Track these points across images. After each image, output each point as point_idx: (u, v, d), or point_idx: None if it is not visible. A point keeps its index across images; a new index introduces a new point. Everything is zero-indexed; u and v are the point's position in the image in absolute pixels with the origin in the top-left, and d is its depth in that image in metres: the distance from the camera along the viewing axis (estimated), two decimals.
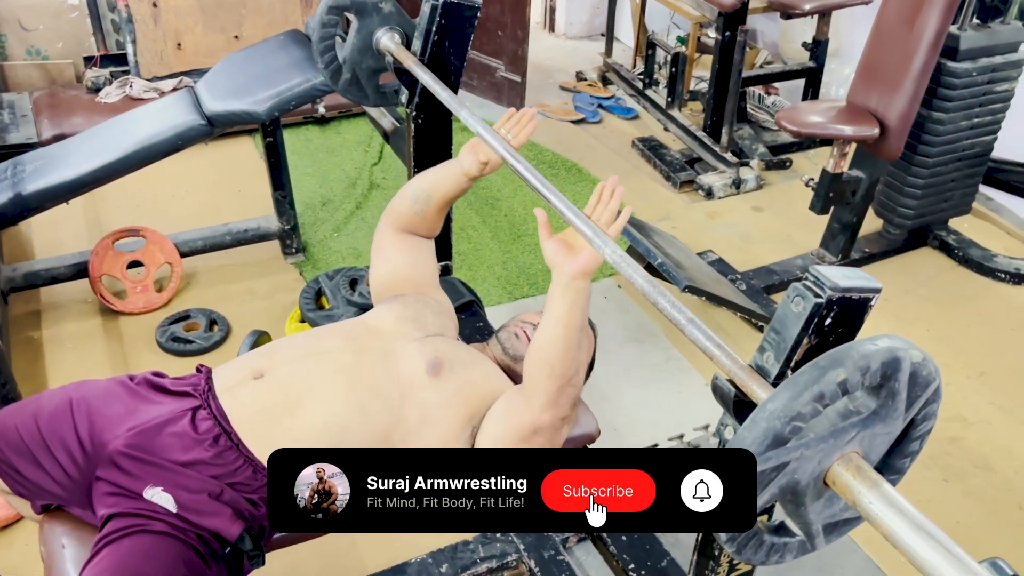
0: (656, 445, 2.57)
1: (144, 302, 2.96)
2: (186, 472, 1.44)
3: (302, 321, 2.84)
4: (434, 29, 2.04)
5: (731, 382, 1.20)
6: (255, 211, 3.38)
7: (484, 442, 1.53)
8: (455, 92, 2.19)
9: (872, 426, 1.08)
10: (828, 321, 1.16)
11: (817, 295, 1.15)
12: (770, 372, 1.20)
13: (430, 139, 2.21)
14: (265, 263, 3.26)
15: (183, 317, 2.90)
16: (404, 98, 2.14)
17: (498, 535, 2.19)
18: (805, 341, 1.17)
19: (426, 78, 1.94)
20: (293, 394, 1.52)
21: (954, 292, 3.23)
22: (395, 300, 1.77)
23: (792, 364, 1.19)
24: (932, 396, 1.10)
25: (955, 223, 3.49)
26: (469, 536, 2.20)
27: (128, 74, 4.18)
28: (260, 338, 2.66)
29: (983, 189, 3.41)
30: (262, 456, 1.48)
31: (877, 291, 1.19)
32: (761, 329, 3.01)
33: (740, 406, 1.20)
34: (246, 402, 1.51)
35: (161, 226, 3.10)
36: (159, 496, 1.42)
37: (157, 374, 1.61)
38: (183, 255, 3.07)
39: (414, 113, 2.17)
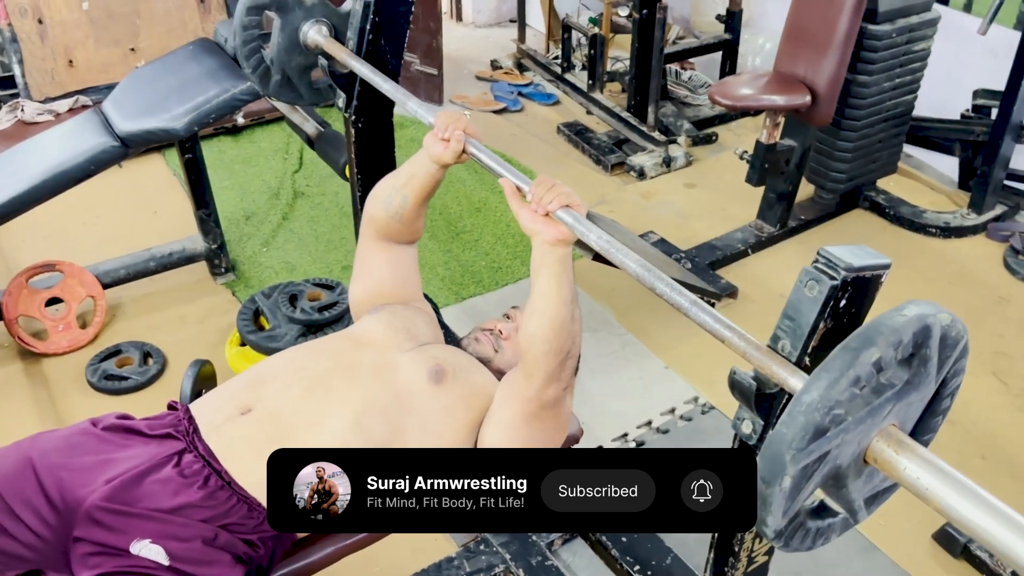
0: (625, 435, 2.53)
1: (68, 341, 2.76)
2: (174, 519, 1.33)
3: (242, 344, 2.69)
4: (368, 27, 1.94)
5: (753, 377, 1.15)
6: (176, 232, 3.20)
7: (492, 428, 1.48)
8: None
9: (907, 396, 1.06)
10: (843, 303, 1.13)
11: (832, 277, 1.11)
12: (787, 360, 1.16)
13: (373, 142, 2.11)
14: (194, 286, 3.09)
15: (114, 353, 2.72)
16: (341, 102, 2.03)
17: (481, 547, 2.12)
18: (821, 325, 1.13)
19: (364, 70, 1.83)
20: (285, 425, 1.42)
21: (890, 251, 3.24)
22: (381, 310, 1.66)
23: (809, 350, 1.15)
24: (961, 353, 1.08)
25: (883, 183, 3.57)
26: (452, 551, 2.12)
27: (17, 97, 3.92)
28: (203, 368, 2.50)
29: (905, 147, 3.48)
30: (257, 493, 1.38)
31: (887, 266, 1.16)
32: (712, 306, 2.99)
33: (762, 399, 1.16)
34: (235, 438, 1.41)
35: (77, 257, 2.90)
36: (148, 549, 1.30)
37: (124, 416, 1.48)
38: (105, 286, 2.87)
39: (353, 117, 2.05)
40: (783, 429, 0.99)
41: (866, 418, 1.02)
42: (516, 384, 1.46)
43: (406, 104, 1.69)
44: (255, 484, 1.38)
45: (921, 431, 1.16)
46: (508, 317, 1.76)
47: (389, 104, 2.12)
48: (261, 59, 1.99)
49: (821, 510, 1.13)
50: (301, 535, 1.46)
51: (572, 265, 1.37)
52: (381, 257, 1.71)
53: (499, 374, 1.68)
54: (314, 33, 1.96)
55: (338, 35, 1.99)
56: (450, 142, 1.53)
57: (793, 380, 1.09)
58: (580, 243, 2.95)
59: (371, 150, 2.13)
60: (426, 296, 2.27)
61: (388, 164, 2.21)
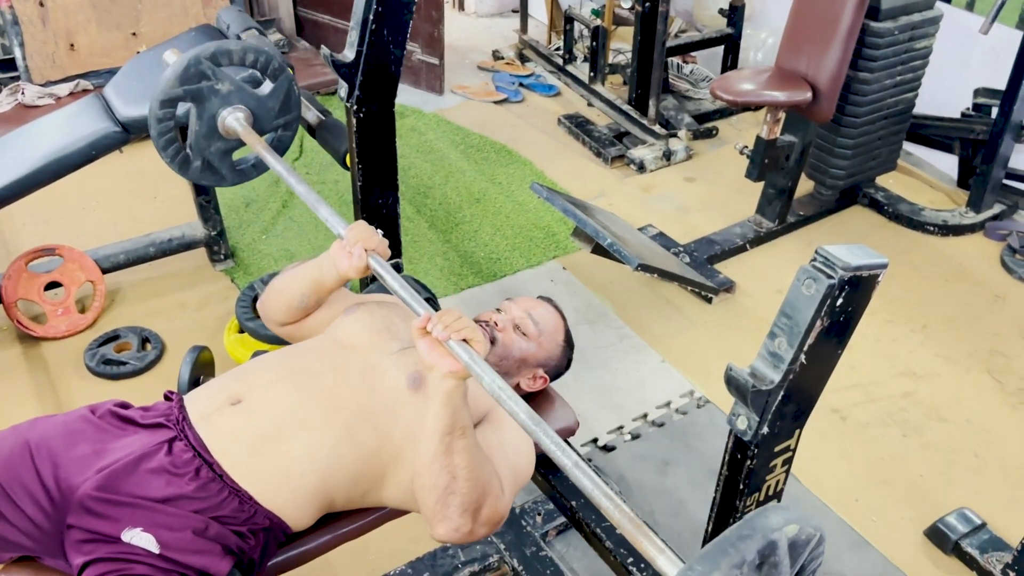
0: (621, 428, 2.54)
1: (67, 325, 2.77)
2: (166, 509, 1.34)
3: (240, 332, 2.70)
4: (371, 18, 1.93)
5: (749, 374, 1.16)
6: (175, 218, 3.20)
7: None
8: (396, 81, 2.10)
9: None
10: (840, 301, 1.14)
11: (829, 276, 1.12)
12: (783, 358, 1.17)
13: (374, 131, 2.11)
14: (193, 273, 3.09)
15: (112, 337, 2.72)
16: (343, 91, 2.03)
17: None
18: (818, 323, 1.14)
19: (274, 164, 1.81)
20: (275, 420, 1.43)
21: (888, 248, 3.30)
22: (358, 310, 1.67)
23: (805, 348, 1.16)
24: (815, 546, 1.06)
25: (882, 180, 3.57)
26: None
27: (18, 80, 3.90)
28: (201, 355, 2.50)
29: (904, 145, 3.48)
30: (249, 486, 1.39)
31: (884, 266, 1.17)
32: (709, 300, 3.01)
33: (757, 395, 1.17)
34: (226, 430, 1.42)
35: (77, 242, 2.90)
36: (139, 537, 1.32)
37: (122, 405, 1.49)
38: (105, 271, 2.87)
39: (354, 106, 2.06)
40: None
41: None
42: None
43: (318, 209, 1.67)
44: (246, 478, 1.39)
45: None
46: (500, 310, 1.77)
47: (391, 94, 2.13)
48: (179, 148, 1.96)
49: None
50: (296, 527, 1.47)
51: (463, 397, 1.33)
52: (311, 325, 1.71)
53: (494, 367, 1.69)
54: (231, 121, 1.93)
55: (256, 118, 1.97)
56: (353, 257, 1.52)
57: (662, 560, 1.05)
58: (578, 234, 2.95)
59: (372, 139, 2.13)
60: (423, 286, 2.29)
61: (389, 153, 2.22)
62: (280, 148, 2.08)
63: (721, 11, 4.21)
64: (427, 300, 2.23)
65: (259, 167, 2.12)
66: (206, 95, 1.88)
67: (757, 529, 0.97)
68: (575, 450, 1.97)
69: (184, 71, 1.85)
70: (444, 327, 1.29)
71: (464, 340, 1.30)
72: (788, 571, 1.02)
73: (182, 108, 1.93)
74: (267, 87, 1.97)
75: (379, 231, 1.58)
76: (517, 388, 1.72)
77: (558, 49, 4.51)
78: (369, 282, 2.43)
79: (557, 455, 1.16)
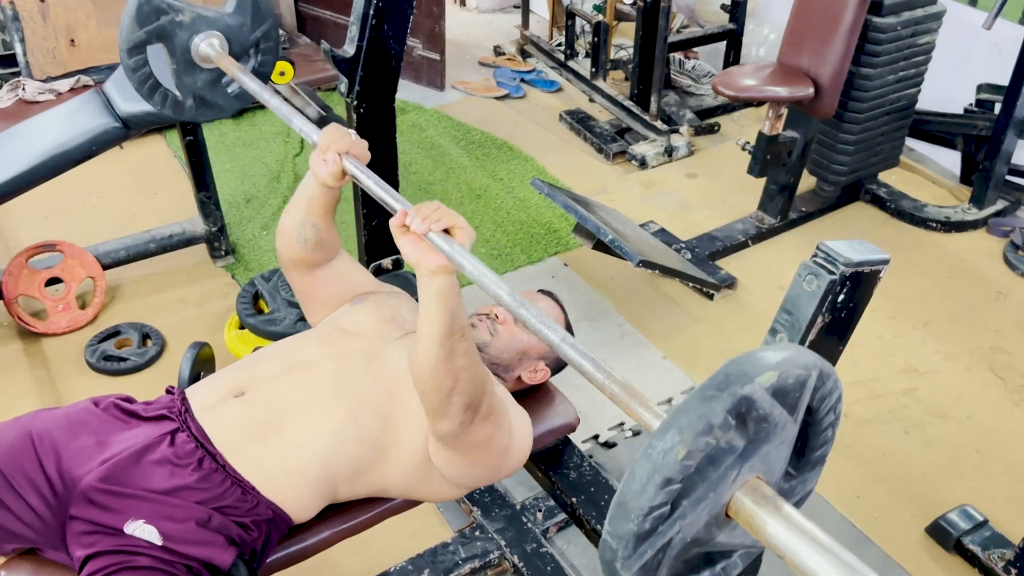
0: (622, 424, 2.54)
1: (68, 321, 2.76)
2: (169, 501, 1.34)
3: (241, 327, 2.69)
4: (372, 13, 1.93)
5: None
6: (176, 214, 3.20)
7: (432, 451, 1.45)
8: (397, 77, 2.10)
9: (756, 452, 0.86)
10: (841, 297, 1.13)
11: (831, 271, 1.11)
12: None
13: (374, 126, 2.10)
14: (194, 269, 3.09)
15: (113, 334, 2.72)
16: (343, 87, 2.02)
17: (477, 533, 2.13)
18: (819, 319, 1.14)
19: (252, 85, 1.74)
20: (278, 409, 1.43)
21: (890, 244, 3.29)
22: (365, 300, 1.66)
23: (807, 344, 1.15)
24: (818, 385, 0.88)
25: (884, 176, 3.56)
26: (447, 537, 2.13)
27: (19, 76, 3.89)
28: (202, 351, 2.50)
29: (907, 141, 3.47)
30: (251, 477, 1.39)
31: (886, 262, 1.16)
32: (711, 297, 3.01)
33: None
34: (228, 421, 1.42)
35: (77, 238, 2.90)
36: (142, 529, 1.31)
37: (126, 399, 1.48)
38: (105, 267, 2.87)
39: (355, 102, 2.05)
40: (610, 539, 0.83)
41: (707, 495, 0.84)
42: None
43: (291, 120, 1.58)
44: (249, 468, 1.39)
45: (805, 467, 0.98)
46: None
47: (391, 89, 2.12)
48: (165, 92, 1.89)
49: (710, 560, 0.96)
50: (298, 519, 1.47)
51: (457, 295, 1.25)
52: (322, 284, 1.67)
53: (495, 360, 1.69)
54: (205, 47, 1.84)
55: (229, 39, 1.88)
56: (327, 163, 1.43)
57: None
58: (579, 231, 2.94)
59: (373, 134, 2.12)
60: None
61: (390, 148, 2.21)
62: (266, 65, 1.98)
63: (723, 7, 4.20)
64: None
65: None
66: (170, 30, 1.79)
67: (723, 386, 0.81)
68: (577, 445, 1.96)
69: (138, 12, 1.75)
70: (423, 219, 1.19)
71: (446, 231, 1.20)
72: (788, 419, 0.87)
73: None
74: (231, 3, 1.88)
75: (352, 131, 1.48)
76: (518, 380, 1.73)
77: (559, 45, 4.50)
78: (380, 272, 2.42)
79: (545, 333, 1.05)
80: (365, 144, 1.46)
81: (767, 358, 0.83)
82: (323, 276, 1.66)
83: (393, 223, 1.24)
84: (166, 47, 1.81)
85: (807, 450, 0.96)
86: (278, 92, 2.80)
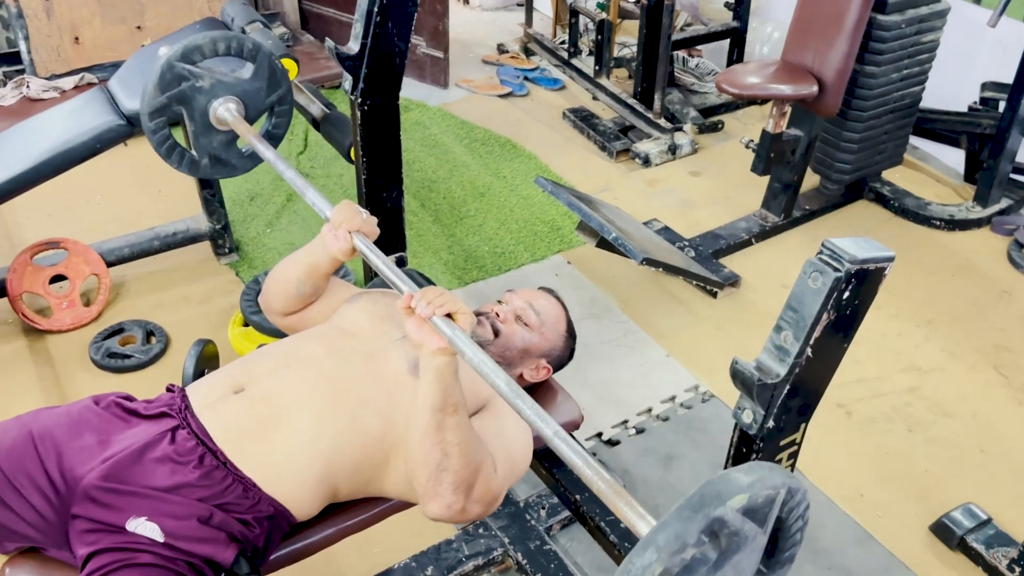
0: (625, 422, 2.54)
1: (72, 318, 2.77)
2: (171, 498, 1.34)
3: (245, 325, 2.70)
4: (376, 11, 1.93)
5: (755, 367, 1.15)
6: (180, 212, 3.20)
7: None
8: (401, 74, 2.10)
9: (728, 561, 0.93)
10: (846, 294, 1.13)
11: (836, 269, 1.11)
12: (789, 351, 1.16)
13: (378, 124, 2.10)
14: (198, 266, 3.09)
15: (117, 331, 2.72)
16: (348, 84, 2.03)
17: (480, 531, 2.13)
18: (824, 317, 1.14)
19: (267, 153, 1.80)
20: (278, 406, 1.44)
21: (894, 243, 3.29)
22: (361, 299, 1.68)
23: (812, 341, 1.15)
24: (787, 501, 0.97)
25: (888, 174, 3.56)
26: (451, 534, 2.14)
27: (23, 73, 3.90)
28: (206, 348, 2.51)
29: (911, 139, 3.47)
30: (252, 473, 1.39)
31: (891, 259, 1.16)
32: (714, 295, 3.00)
33: (763, 389, 1.16)
34: (229, 418, 1.42)
35: (81, 235, 2.90)
36: (143, 527, 1.32)
37: (126, 397, 1.49)
38: (109, 264, 2.87)
39: (359, 99, 2.05)
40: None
41: None
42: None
43: (305, 193, 1.65)
44: (251, 465, 1.39)
45: (775, 567, 1.05)
46: (502, 301, 1.77)
47: (395, 86, 2.12)
48: (183, 152, 1.96)
49: None
50: (300, 516, 1.47)
51: (454, 374, 1.33)
52: (312, 316, 1.71)
53: (497, 359, 1.69)
54: (222, 112, 1.92)
55: (246, 102, 1.95)
56: (339, 240, 1.52)
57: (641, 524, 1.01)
58: (583, 228, 2.94)
59: (377, 132, 2.13)
60: (428, 280, 2.28)
61: (393, 146, 2.22)
62: (280, 128, 2.05)
63: (727, 4, 4.19)
64: None
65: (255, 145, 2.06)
66: (190, 95, 1.87)
67: (697, 507, 0.89)
68: (580, 442, 1.96)
69: (160, 79, 1.83)
70: (427, 304, 1.29)
71: (448, 316, 1.29)
72: (758, 531, 0.95)
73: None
74: (248, 69, 1.95)
75: (365, 211, 1.57)
76: (520, 378, 1.73)
77: (563, 43, 4.50)
78: (372, 277, 2.43)
79: (539, 425, 1.14)
80: (375, 221, 1.56)
81: (739, 480, 0.92)
82: (312, 309, 1.71)
83: (399, 305, 1.33)
84: (185, 110, 1.89)
85: (777, 551, 1.03)
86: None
